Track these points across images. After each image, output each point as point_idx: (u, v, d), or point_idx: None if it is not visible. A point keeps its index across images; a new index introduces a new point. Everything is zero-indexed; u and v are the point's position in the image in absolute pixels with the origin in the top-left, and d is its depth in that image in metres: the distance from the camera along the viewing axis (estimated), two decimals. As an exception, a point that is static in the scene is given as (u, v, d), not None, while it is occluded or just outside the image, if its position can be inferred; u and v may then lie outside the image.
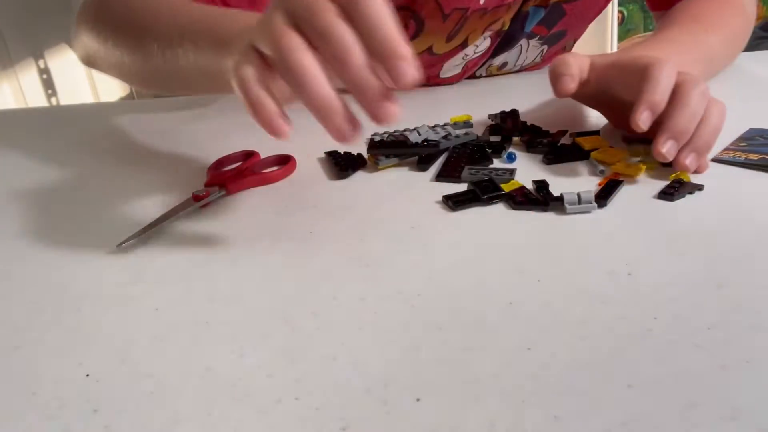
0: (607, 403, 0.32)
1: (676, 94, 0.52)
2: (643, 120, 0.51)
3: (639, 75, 0.53)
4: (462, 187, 0.54)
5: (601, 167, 0.55)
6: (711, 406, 0.31)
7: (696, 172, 0.53)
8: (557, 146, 0.60)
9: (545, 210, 0.50)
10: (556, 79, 0.58)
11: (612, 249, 0.44)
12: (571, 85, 0.57)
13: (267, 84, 0.39)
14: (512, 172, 0.56)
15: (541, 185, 0.53)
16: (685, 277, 0.41)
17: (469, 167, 0.57)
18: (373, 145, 0.62)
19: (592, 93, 0.60)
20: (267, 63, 0.40)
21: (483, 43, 0.80)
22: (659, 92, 0.51)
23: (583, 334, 0.36)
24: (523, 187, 0.52)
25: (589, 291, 0.40)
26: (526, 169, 0.57)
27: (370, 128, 0.67)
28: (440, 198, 0.53)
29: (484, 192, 0.52)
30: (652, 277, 0.41)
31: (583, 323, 0.37)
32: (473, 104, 0.75)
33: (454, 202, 0.51)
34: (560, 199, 0.49)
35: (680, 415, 0.31)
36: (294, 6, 0.37)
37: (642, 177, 0.53)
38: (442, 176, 0.57)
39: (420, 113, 0.73)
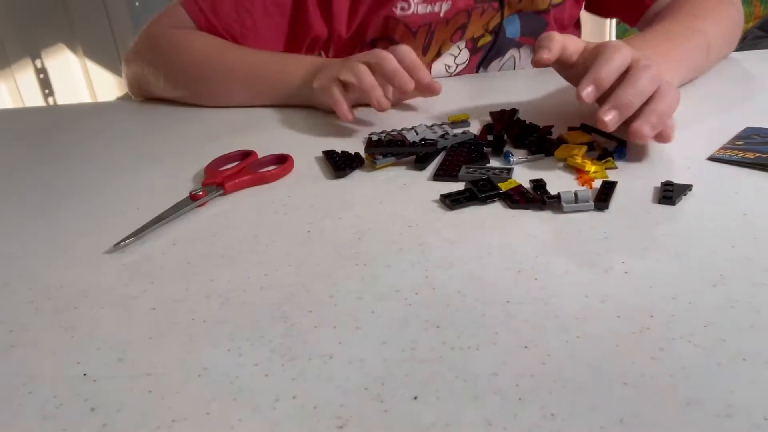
0: (603, 400, 0.32)
1: (625, 74, 0.53)
2: (586, 93, 0.53)
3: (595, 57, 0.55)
4: (459, 186, 0.54)
5: (560, 162, 0.57)
6: (707, 403, 0.31)
7: (660, 140, 0.54)
8: (542, 140, 0.60)
9: (542, 209, 0.50)
10: (536, 50, 0.59)
11: (608, 247, 0.44)
12: (546, 56, 0.58)
13: (343, 94, 0.68)
14: (509, 171, 0.56)
15: (538, 184, 0.53)
16: (681, 276, 0.41)
17: (467, 166, 0.57)
18: (371, 144, 0.62)
19: (579, 76, 0.61)
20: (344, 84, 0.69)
21: (461, 55, 0.87)
22: (606, 70, 0.53)
23: (579, 332, 0.36)
24: (520, 186, 0.52)
25: (586, 289, 0.40)
26: (520, 167, 0.57)
27: (369, 128, 0.68)
28: (437, 197, 0.53)
29: (481, 191, 0.52)
30: (648, 275, 0.41)
31: (579, 321, 0.37)
32: (471, 103, 0.75)
33: (451, 201, 0.51)
34: (557, 197, 0.49)
35: (676, 412, 0.31)
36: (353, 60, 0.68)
37: (640, 174, 0.53)
38: (439, 175, 0.57)
39: (418, 112, 0.73)
